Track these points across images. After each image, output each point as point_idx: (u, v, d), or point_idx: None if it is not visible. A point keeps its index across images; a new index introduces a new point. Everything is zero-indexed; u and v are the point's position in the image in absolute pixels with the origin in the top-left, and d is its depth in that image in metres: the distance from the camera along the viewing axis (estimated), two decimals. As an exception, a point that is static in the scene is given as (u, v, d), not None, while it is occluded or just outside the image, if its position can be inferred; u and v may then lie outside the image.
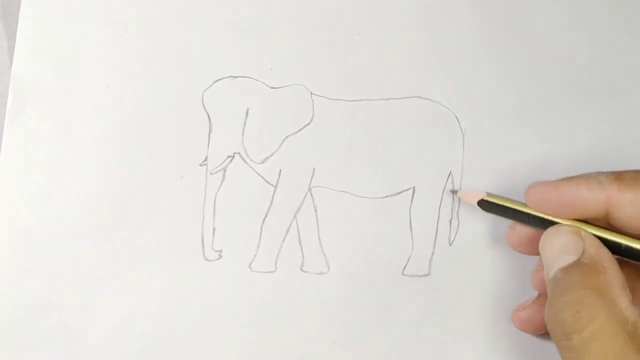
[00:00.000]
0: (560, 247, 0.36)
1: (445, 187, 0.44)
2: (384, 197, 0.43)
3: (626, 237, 0.36)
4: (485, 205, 0.41)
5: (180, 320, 0.42)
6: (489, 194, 0.41)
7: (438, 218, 0.44)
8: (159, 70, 0.44)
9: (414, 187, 0.44)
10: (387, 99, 0.44)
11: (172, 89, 0.43)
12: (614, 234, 0.36)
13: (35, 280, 0.42)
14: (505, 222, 0.43)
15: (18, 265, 0.42)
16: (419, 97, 0.44)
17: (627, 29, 0.45)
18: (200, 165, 0.43)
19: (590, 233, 0.36)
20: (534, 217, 0.38)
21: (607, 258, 0.35)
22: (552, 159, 0.44)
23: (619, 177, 0.36)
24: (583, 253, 0.35)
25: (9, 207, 0.42)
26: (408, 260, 0.43)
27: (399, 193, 0.44)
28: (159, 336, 0.42)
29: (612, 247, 0.36)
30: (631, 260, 0.36)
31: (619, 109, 0.45)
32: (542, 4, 0.45)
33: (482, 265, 0.43)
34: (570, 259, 0.35)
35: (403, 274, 0.43)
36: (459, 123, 0.44)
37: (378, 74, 0.44)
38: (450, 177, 0.44)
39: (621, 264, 0.35)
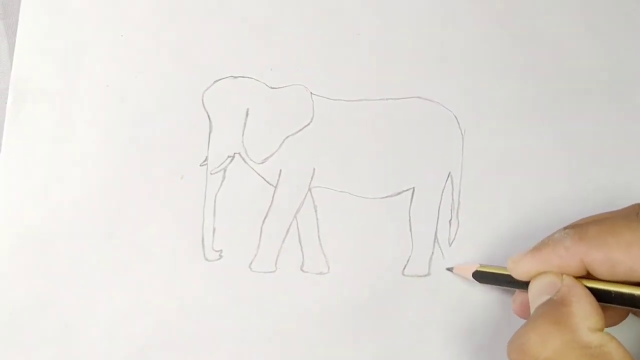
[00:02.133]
0: (540, 289, 0.36)
1: (444, 187, 0.44)
2: (383, 198, 0.44)
3: (609, 283, 0.36)
4: (479, 276, 0.41)
5: (180, 320, 0.42)
6: (481, 265, 0.41)
7: (438, 218, 0.44)
8: (159, 71, 0.44)
9: (413, 188, 0.44)
10: (387, 99, 0.44)
11: (172, 89, 0.44)
12: (598, 282, 0.36)
13: (35, 280, 0.42)
14: (505, 222, 0.44)
15: (18, 265, 0.42)
16: (419, 97, 0.44)
17: (627, 29, 0.45)
18: (200, 166, 0.43)
19: (571, 277, 0.36)
20: (524, 283, 0.38)
21: (578, 293, 0.35)
22: (552, 159, 0.44)
23: (583, 236, 0.35)
24: (557, 292, 0.35)
25: (9, 207, 0.42)
26: (408, 261, 0.43)
27: (399, 193, 0.44)
28: (159, 336, 0.42)
29: (604, 295, 0.36)
30: (619, 306, 0.36)
31: (619, 109, 0.45)
32: (542, 4, 0.46)
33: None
34: (545, 298, 0.36)
35: (403, 274, 0.43)
36: (459, 124, 0.44)
37: (378, 74, 0.44)
38: (449, 177, 0.44)
39: None
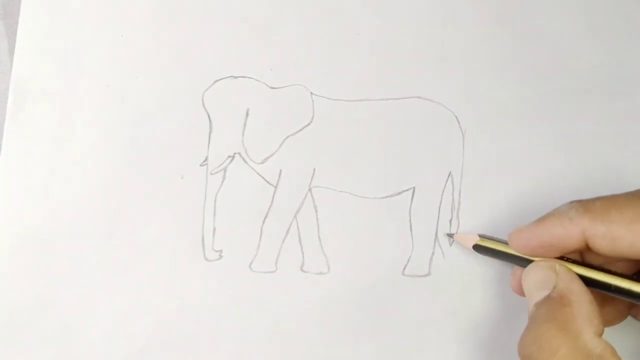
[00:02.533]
0: (536, 283, 0.37)
1: (445, 187, 0.44)
2: (384, 197, 0.44)
3: (599, 271, 0.36)
4: (478, 248, 0.41)
5: (180, 320, 0.42)
6: (481, 237, 0.41)
7: (438, 218, 0.44)
8: (159, 71, 0.44)
9: (414, 187, 0.44)
10: (387, 99, 0.44)
11: (172, 89, 0.44)
12: (588, 269, 0.37)
13: (35, 280, 0.42)
14: (505, 222, 0.44)
15: (18, 265, 0.42)
16: (419, 97, 0.44)
17: (627, 29, 0.46)
18: (200, 166, 0.43)
19: (565, 267, 0.36)
20: (522, 259, 0.39)
21: (576, 291, 0.35)
22: (552, 159, 0.44)
23: (588, 209, 0.36)
24: (554, 288, 0.35)
25: (9, 207, 0.42)
26: (408, 261, 0.43)
27: (399, 193, 0.44)
28: (159, 336, 0.42)
29: (590, 281, 0.36)
30: (610, 293, 0.36)
31: (619, 109, 0.45)
32: (542, 4, 0.46)
33: (481, 266, 0.43)
34: (543, 293, 0.36)
35: (403, 274, 0.43)
36: (459, 123, 0.44)
37: (378, 74, 0.44)
38: (450, 177, 0.44)
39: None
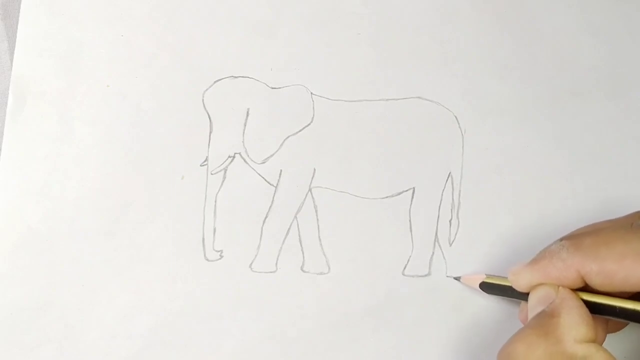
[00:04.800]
0: (537, 300, 0.37)
1: (445, 187, 0.44)
2: (384, 198, 0.44)
3: (603, 296, 0.36)
4: (485, 287, 0.41)
5: (180, 320, 0.42)
6: (488, 276, 0.41)
7: (438, 218, 0.44)
8: (159, 71, 0.44)
9: (414, 188, 0.44)
10: (387, 100, 0.44)
11: (172, 89, 0.44)
12: (593, 294, 0.36)
13: (35, 280, 0.42)
14: (505, 222, 0.44)
15: (19, 265, 0.42)
16: (419, 97, 0.44)
17: (627, 30, 0.46)
18: (200, 166, 0.43)
19: (567, 288, 0.36)
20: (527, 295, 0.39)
21: (569, 305, 0.35)
22: (552, 159, 0.44)
23: (579, 247, 0.36)
24: (550, 304, 0.36)
25: (9, 207, 0.42)
26: (408, 261, 0.43)
27: (399, 193, 0.44)
28: (159, 336, 0.42)
29: (596, 307, 0.36)
30: (616, 319, 0.36)
31: (619, 109, 0.45)
32: (542, 5, 0.46)
33: (482, 266, 0.43)
34: (540, 309, 0.36)
35: (403, 274, 0.43)
36: (459, 124, 0.44)
37: (378, 74, 0.44)
38: (450, 177, 0.44)
39: None
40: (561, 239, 0.37)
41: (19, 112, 0.43)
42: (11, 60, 0.44)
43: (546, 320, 0.35)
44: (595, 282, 0.35)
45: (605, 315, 0.36)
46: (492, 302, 0.43)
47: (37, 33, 0.43)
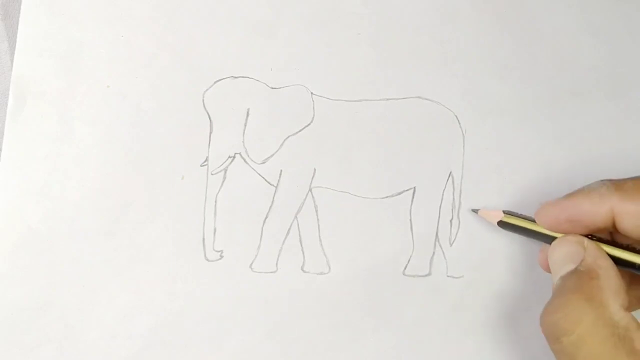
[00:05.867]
0: (563, 256, 0.37)
1: (445, 187, 0.44)
2: (384, 198, 0.44)
3: (626, 250, 0.36)
4: (503, 225, 0.41)
5: (180, 320, 0.42)
6: (506, 214, 0.41)
7: (438, 218, 0.44)
8: (159, 71, 0.44)
9: (414, 188, 0.44)
10: (387, 99, 0.44)
11: (172, 89, 0.43)
12: (615, 247, 0.37)
13: (35, 280, 0.42)
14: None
15: (19, 265, 0.42)
16: (419, 97, 0.44)
17: (627, 30, 0.46)
18: (201, 166, 0.43)
19: (594, 243, 0.36)
20: (548, 236, 0.39)
21: (604, 265, 0.35)
22: (552, 159, 0.44)
23: (620, 187, 0.36)
24: (582, 261, 0.35)
25: (9, 207, 0.42)
26: (409, 261, 0.43)
27: (400, 193, 0.44)
28: (159, 336, 0.42)
29: (617, 260, 0.36)
30: (636, 271, 0.36)
31: (619, 109, 0.45)
32: (543, 5, 0.46)
33: (482, 265, 0.43)
34: (570, 267, 0.36)
35: (404, 274, 0.43)
36: (460, 123, 0.44)
37: (378, 74, 0.44)
38: (450, 177, 0.44)
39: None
40: (602, 180, 0.37)
41: (19, 112, 0.43)
42: (11, 60, 0.44)
43: (586, 282, 0.35)
44: (627, 224, 0.35)
45: (623, 267, 0.36)
46: (493, 303, 0.43)
47: (37, 33, 0.43)
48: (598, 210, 0.36)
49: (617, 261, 0.36)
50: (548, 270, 0.39)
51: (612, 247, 0.37)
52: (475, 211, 0.43)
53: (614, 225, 0.36)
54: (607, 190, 0.36)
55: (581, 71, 0.45)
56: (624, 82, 0.45)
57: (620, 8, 0.46)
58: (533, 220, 0.39)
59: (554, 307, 0.35)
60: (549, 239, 0.38)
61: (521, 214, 0.41)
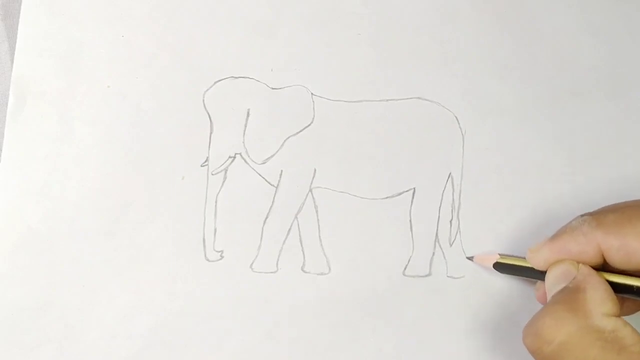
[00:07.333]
0: (557, 277, 0.37)
1: (445, 187, 0.44)
2: (384, 198, 0.44)
3: (620, 275, 0.36)
4: (499, 267, 0.42)
5: (181, 320, 0.42)
6: (501, 256, 0.41)
7: (438, 219, 0.44)
8: (159, 71, 0.44)
9: (414, 188, 0.44)
10: (387, 100, 0.44)
11: (173, 89, 0.43)
12: (609, 273, 0.37)
13: (35, 280, 0.42)
14: (506, 222, 0.44)
15: (19, 265, 0.42)
16: (419, 98, 0.44)
17: (627, 30, 0.46)
18: (201, 166, 0.43)
19: (586, 265, 0.37)
20: (544, 273, 0.39)
21: (592, 281, 0.35)
22: (552, 159, 0.44)
23: (601, 222, 0.36)
24: (573, 279, 0.36)
25: (9, 207, 0.42)
26: (409, 261, 0.43)
27: (400, 194, 0.44)
28: (159, 336, 0.42)
29: (623, 288, 0.36)
30: (633, 296, 0.36)
31: (619, 109, 0.45)
32: (543, 5, 0.46)
33: (482, 266, 0.43)
34: (562, 286, 0.36)
35: (404, 275, 0.43)
36: (459, 124, 0.44)
37: (378, 74, 0.44)
38: (450, 177, 0.44)
39: None
40: (582, 215, 0.37)
41: (19, 112, 0.43)
42: (11, 60, 0.44)
43: (572, 295, 0.35)
44: (615, 258, 0.35)
45: (623, 293, 0.36)
46: (493, 303, 0.43)
47: (37, 33, 0.43)
48: (585, 250, 0.36)
49: (616, 288, 0.36)
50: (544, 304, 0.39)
51: (606, 273, 0.37)
52: (470, 258, 0.43)
53: (604, 262, 0.36)
54: (589, 227, 0.36)
55: (581, 71, 0.45)
56: (624, 82, 0.45)
57: (620, 8, 0.46)
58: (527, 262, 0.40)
59: (538, 316, 0.35)
60: (544, 275, 0.39)
61: (515, 255, 0.41)
